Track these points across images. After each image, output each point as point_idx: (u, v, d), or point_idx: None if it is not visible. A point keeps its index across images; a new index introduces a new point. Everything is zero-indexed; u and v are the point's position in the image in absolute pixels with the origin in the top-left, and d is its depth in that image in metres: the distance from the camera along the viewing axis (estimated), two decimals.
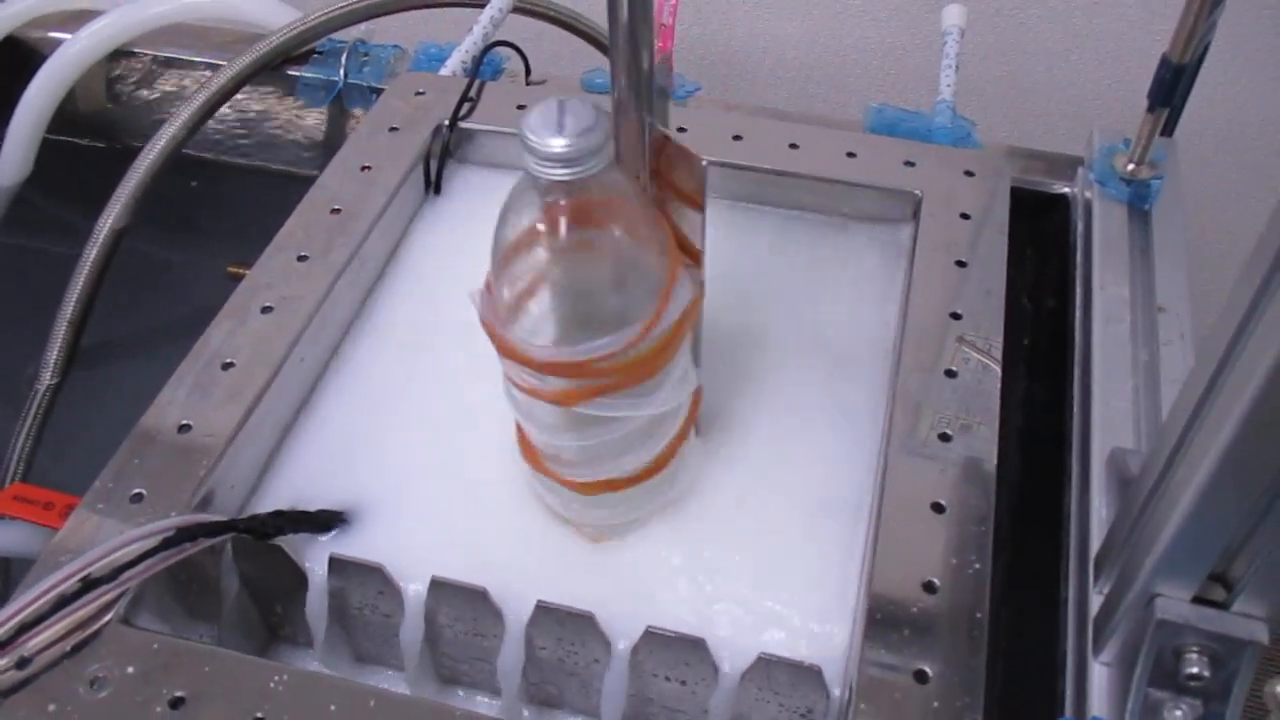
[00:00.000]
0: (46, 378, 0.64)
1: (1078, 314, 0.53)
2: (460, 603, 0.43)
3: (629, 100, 0.39)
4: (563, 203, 0.37)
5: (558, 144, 0.35)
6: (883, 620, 0.39)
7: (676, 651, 0.42)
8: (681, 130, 0.58)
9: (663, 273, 0.39)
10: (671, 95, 0.68)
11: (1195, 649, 0.34)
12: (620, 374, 0.38)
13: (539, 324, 0.39)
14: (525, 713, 0.47)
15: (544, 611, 0.42)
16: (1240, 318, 0.29)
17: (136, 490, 0.43)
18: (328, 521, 0.45)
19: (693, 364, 0.44)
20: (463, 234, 0.58)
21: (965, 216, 0.54)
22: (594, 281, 0.39)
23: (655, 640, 0.41)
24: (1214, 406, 0.30)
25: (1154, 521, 0.34)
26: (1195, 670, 0.34)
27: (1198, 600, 0.34)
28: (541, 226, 0.38)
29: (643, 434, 0.42)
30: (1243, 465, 0.30)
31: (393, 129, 0.60)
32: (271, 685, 0.38)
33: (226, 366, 0.48)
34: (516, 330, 0.39)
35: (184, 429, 0.45)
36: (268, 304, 0.50)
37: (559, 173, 0.35)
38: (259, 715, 0.37)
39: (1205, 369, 0.31)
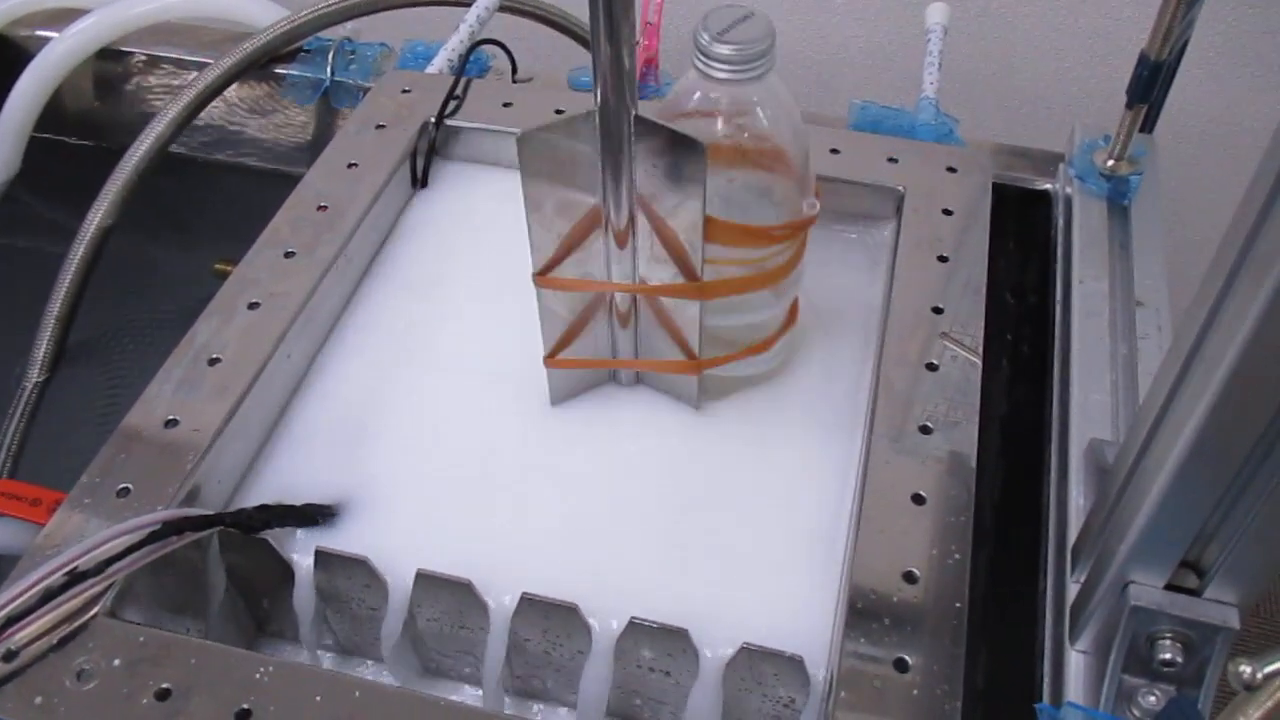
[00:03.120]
0: (34, 375, 0.64)
1: (1058, 308, 0.54)
2: (445, 595, 0.44)
3: (612, 98, 0.39)
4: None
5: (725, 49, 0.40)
6: (863, 610, 0.40)
7: (660, 642, 0.42)
8: None
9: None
10: (658, 93, 0.69)
11: (1169, 635, 0.35)
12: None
13: None
14: (509, 704, 0.48)
15: (528, 603, 0.42)
16: (1209, 306, 0.29)
17: (123, 485, 0.44)
18: (314, 515, 0.45)
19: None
20: (449, 231, 0.58)
21: (948, 212, 0.55)
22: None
23: (639, 631, 0.42)
24: (1184, 395, 0.31)
25: (1128, 509, 0.34)
26: (1169, 656, 0.35)
27: (1171, 587, 0.35)
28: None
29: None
30: (1212, 452, 0.30)
31: (379, 126, 0.60)
32: (257, 677, 0.38)
33: (213, 362, 0.48)
34: None
35: (170, 424, 0.46)
36: (254, 300, 0.51)
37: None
38: (245, 707, 0.38)
39: (1176, 358, 0.31)
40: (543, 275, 0.45)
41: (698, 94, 0.43)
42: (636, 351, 0.49)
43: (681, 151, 0.40)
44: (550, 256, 0.44)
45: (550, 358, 0.48)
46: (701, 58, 0.41)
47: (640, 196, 0.43)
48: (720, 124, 0.43)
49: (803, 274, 0.49)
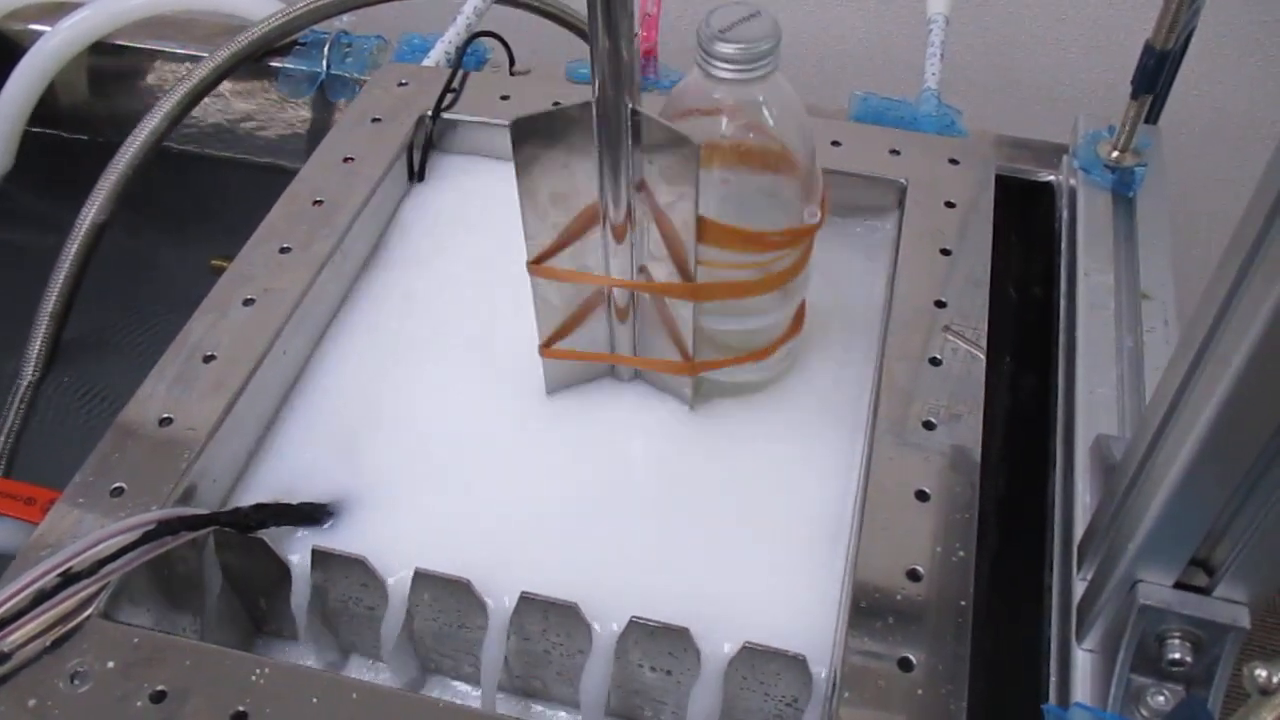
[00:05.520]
0: (28, 372, 0.63)
1: (1062, 301, 0.53)
2: (443, 594, 0.43)
3: (610, 91, 0.39)
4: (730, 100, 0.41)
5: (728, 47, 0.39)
6: (867, 608, 0.39)
7: (661, 641, 0.42)
8: None
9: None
10: (657, 85, 0.68)
11: (1178, 634, 0.34)
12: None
13: None
14: (509, 705, 0.47)
15: (528, 602, 0.42)
16: (1220, 302, 0.29)
17: (117, 484, 0.43)
18: (311, 514, 0.45)
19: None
20: (446, 225, 0.58)
21: (950, 205, 0.54)
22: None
23: (639, 630, 0.41)
24: (1195, 391, 0.30)
25: (1136, 506, 0.34)
26: (1178, 656, 0.34)
27: (1180, 586, 0.34)
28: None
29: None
30: (1223, 449, 0.30)
31: (375, 120, 0.60)
32: (253, 678, 0.38)
33: (208, 359, 0.47)
34: None
35: (165, 422, 0.45)
36: (250, 296, 0.50)
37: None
38: (241, 709, 0.37)
39: (1186, 354, 0.31)
40: (537, 264, 0.44)
41: (701, 93, 0.42)
42: (635, 348, 0.48)
43: (675, 149, 0.39)
44: (546, 246, 0.44)
45: (545, 347, 0.47)
46: (705, 56, 0.40)
47: (642, 190, 0.42)
48: (724, 123, 0.42)
49: (809, 280, 0.48)
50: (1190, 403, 0.30)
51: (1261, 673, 0.24)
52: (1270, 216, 0.27)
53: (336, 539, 0.44)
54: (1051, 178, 0.62)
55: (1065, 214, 0.58)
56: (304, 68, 0.73)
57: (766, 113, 0.42)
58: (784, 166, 0.44)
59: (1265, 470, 0.30)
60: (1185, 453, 0.30)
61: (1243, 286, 0.28)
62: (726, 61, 0.40)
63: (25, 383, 0.63)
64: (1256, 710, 0.24)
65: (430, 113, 0.60)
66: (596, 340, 0.48)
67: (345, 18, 0.73)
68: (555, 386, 0.49)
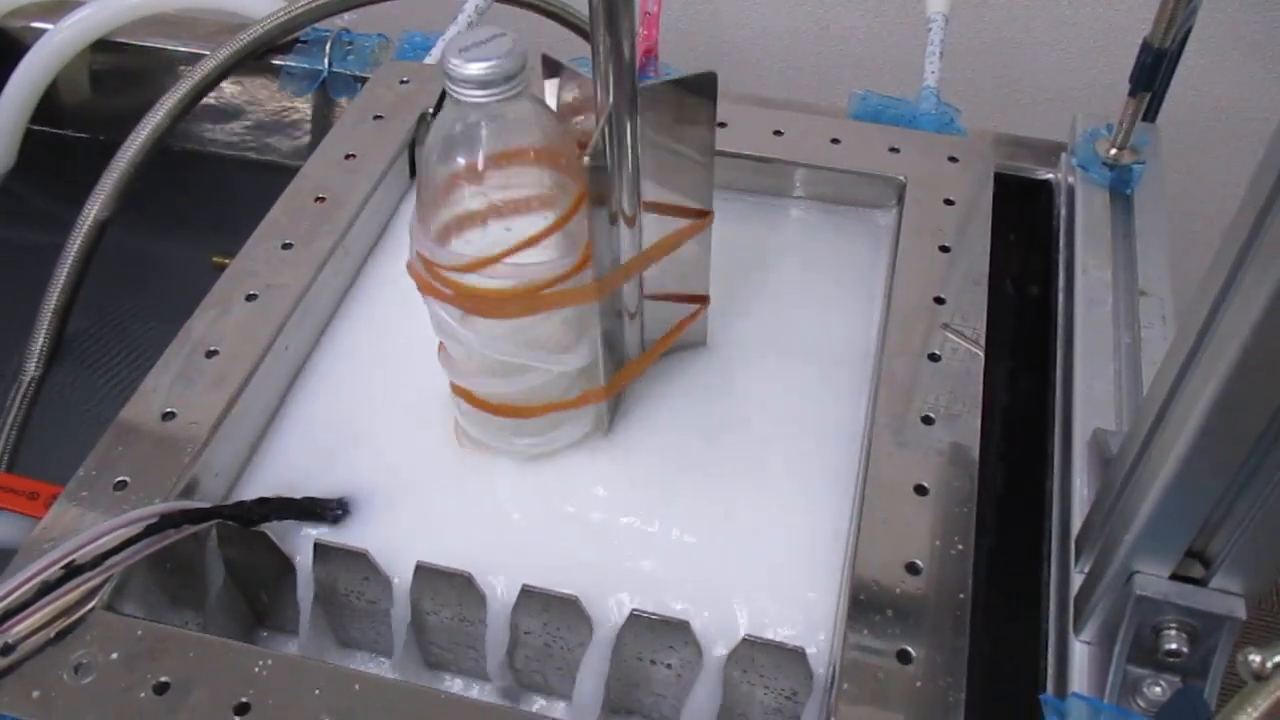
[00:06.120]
0: (31, 369, 0.63)
1: (1060, 297, 0.53)
2: (445, 588, 0.43)
3: (609, 89, 0.39)
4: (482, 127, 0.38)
5: (475, 68, 0.37)
6: (866, 601, 0.40)
7: (661, 634, 0.42)
8: None
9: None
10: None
11: (1174, 625, 0.34)
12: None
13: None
14: (510, 698, 0.47)
15: (528, 595, 0.42)
16: (1215, 296, 0.29)
17: (120, 478, 0.43)
18: (315, 508, 0.45)
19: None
20: None
21: (949, 202, 0.55)
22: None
23: (640, 623, 0.42)
24: (1190, 384, 0.31)
25: (1133, 498, 0.34)
26: (1174, 646, 0.34)
27: (1176, 577, 0.34)
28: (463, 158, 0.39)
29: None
30: (1218, 441, 0.30)
31: (377, 117, 0.60)
32: (256, 670, 0.38)
33: (210, 354, 0.48)
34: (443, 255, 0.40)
35: (168, 416, 0.45)
36: (252, 292, 0.50)
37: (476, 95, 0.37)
38: (244, 700, 0.37)
39: (1182, 347, 0.31)
40: (600, 284, 0.42)
41: (460, 124, 0.39)
42: (643, 344, 0.48)
43: (692, 89, 0.41)
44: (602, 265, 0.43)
45: (609, 386, 0.46)
46: (454, 86, 0.37)
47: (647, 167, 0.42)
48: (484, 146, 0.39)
49: None
50: (1185, 395, 0.31)
51: (1255, 658, 0.24)
52: (1264, 209, 0.27)
53: (339, 533, 0.44)
54: (1050, 175, 0.62)
55: (1063, 211, 0.58)
56: (306, 66, 0.74)
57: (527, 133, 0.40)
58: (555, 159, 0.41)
59: (1260, 462, 0.30)
60: (1181, 445, 0.30)
61: (1238, 278, 0.28)
62: (477, 86, 0.37)
63: (28, 379, 0.63)
64: (1251, 696, 0.24)
65: (432, 110, 0.60)
66: (620, 358, 0.48)
67: (347, 16, 0.73)
68: (616, 419, 0.48)
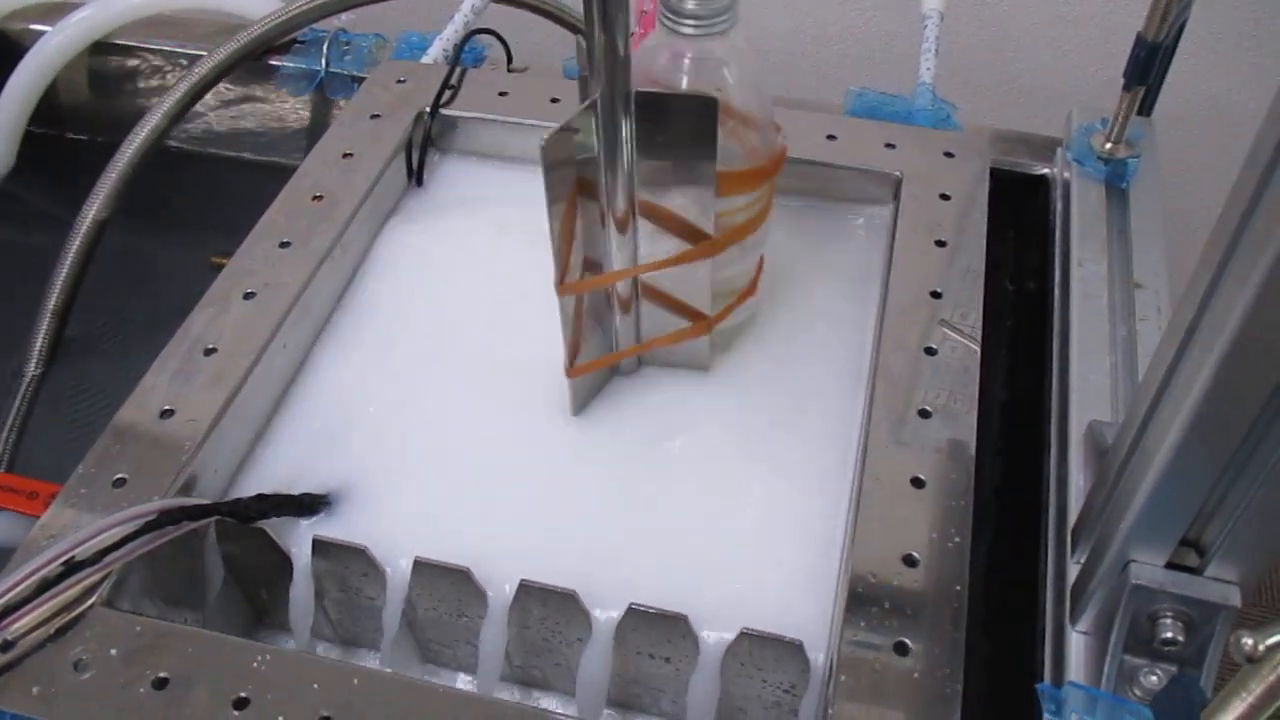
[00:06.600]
0: (31, 368, 0.63)
1: (1056, 291, 0.53)
2: (443, 583, 0.43)
3: (607, 87, 0.39)
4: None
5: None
6: (864, 594, 0.40)
7: (659, 628, 0.42)
8: None
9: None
10: None
11: (1169, 614, 0.34)
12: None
13: None
14: (508, 693, 0.47)
15: (526, 590, 0.42)
16: (1206, 285, 0.29)
17: (119, 475, 0.43)
18: (311, 504, 0.45)
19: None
20: (445, 219, 0.58)
21: (945, 197, 0.55)
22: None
23: (638, 617, 0.42)
24: (1183, 372, 0.31)
25: (1128, 487, 0.34)
26: (1170, 635, 0.34)
27: (1172, 566, 0.35)
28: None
29: None
30: (1211, 428, 0.30)
31: (374, 116, 0.60)
32: (255, 665, 0.38)
33: (209, 352, 0.48)
34: None
35: (166, 414, 0.45)
36: (250, 290, 0.50)
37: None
38: (243, 695, 0.37)
39: (1175, 336, 0.31)
40: (563, 283, 0.43)
41: (666, 53, 0.43)
42: (639, 336, 0.49)
43: (690, 112, 0.40)
44: (569, 262, 0.43)
45: (572, 368, 0.46)
46: (668, 14, 0.42)
47: (642, 173, 0.42)
48: (685, 83, 0.43)
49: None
50: (1178, 383, 0.31)
51: (1248, 641, 0.24)
52: (1254, 199, 0.27)
53: (337, 529, 0.44)
54: (1045, 170, 0.62)
55: (1059, 206, 0.58)
56: (303, 66, 0.74)
57: (727, 72, 0.43)
58: (744, 125, 0.45)
59: (1254, 450, 0.30)
60: (1174, 432, 0.31)
61: (1228, 268, 0.28)
62: (689, 18, 0.41)
63: (28, 378, 0.63)
64: (1245, 680, 0.24)
65: (429, 109, 0.60)
66: (606, 343, 0.48)
67: (344, 16, 0.73)
68: (582, 405, 0.49)
